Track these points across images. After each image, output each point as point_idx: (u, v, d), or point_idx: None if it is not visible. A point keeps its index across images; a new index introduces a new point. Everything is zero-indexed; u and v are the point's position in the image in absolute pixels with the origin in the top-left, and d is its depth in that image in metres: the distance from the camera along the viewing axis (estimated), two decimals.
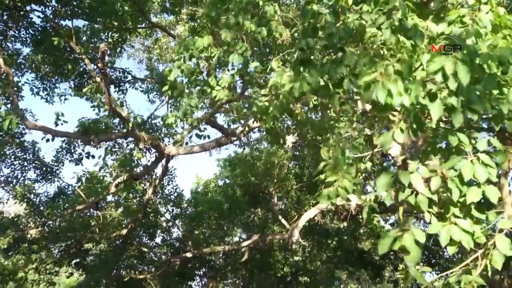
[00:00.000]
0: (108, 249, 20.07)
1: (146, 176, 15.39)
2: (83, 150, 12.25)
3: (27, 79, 12.13)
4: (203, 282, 26.72)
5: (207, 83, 6.29)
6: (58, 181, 14.78)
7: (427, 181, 2.57)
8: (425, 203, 2.55)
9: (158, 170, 14.71)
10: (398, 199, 2.63)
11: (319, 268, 21.42)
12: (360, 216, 15.66)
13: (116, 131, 10.86)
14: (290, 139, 11.15)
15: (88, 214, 15.75)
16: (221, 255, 21.99)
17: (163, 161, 13.44)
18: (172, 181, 17.85)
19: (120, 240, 19.17)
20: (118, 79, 12.34)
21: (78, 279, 26.96)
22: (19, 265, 15.95)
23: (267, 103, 4.19)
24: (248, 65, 6.17)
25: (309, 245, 20.26)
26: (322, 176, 3.06)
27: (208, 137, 11.23)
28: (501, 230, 2.65)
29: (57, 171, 14.35)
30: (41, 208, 14.57)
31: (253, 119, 11.87)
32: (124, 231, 15.84)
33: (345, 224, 17.83)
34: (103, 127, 10.46)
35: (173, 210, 19.85)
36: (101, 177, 13.58)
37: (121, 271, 20.92)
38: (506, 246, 2.57)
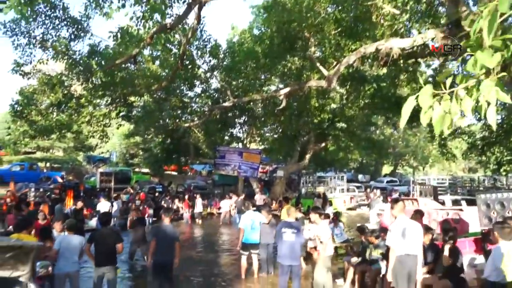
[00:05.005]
0: (150, 101, 20.98)
1: (179, 27, 14.91)
2: (111, 2, 11.71)
3: None
4: (243, 129, 28.21)
5: None
6: (90, 38, 14.62)
7: None
8: None
9: (191, 21, 14.12)
10: None
11: (356, 114, 21.67)
12: (401, 61, 14.83)
13: None
14: None
15: (127, 69, 15.99)
16: (259, 103, 22.53)
17: (196, 9, 12.75)
18: (206, 31, 17.29)
19: (162, 92, 19.83)
20: None
21: (129, 128, 29.19)
22: (72, 119, 17.12)
23: None
24: None
25: (347, 92, 20.13)
26: None
27: None
28: None
29: (88, 27, 14.07)
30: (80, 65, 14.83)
31: None
32: (164, 83, 16.19)
33: (384, 70, 17.18)
34: None
35: (210, 61, 19.74)
36: (135, 31, 13.26)
37: (166, 120, 22.22)
38: None
